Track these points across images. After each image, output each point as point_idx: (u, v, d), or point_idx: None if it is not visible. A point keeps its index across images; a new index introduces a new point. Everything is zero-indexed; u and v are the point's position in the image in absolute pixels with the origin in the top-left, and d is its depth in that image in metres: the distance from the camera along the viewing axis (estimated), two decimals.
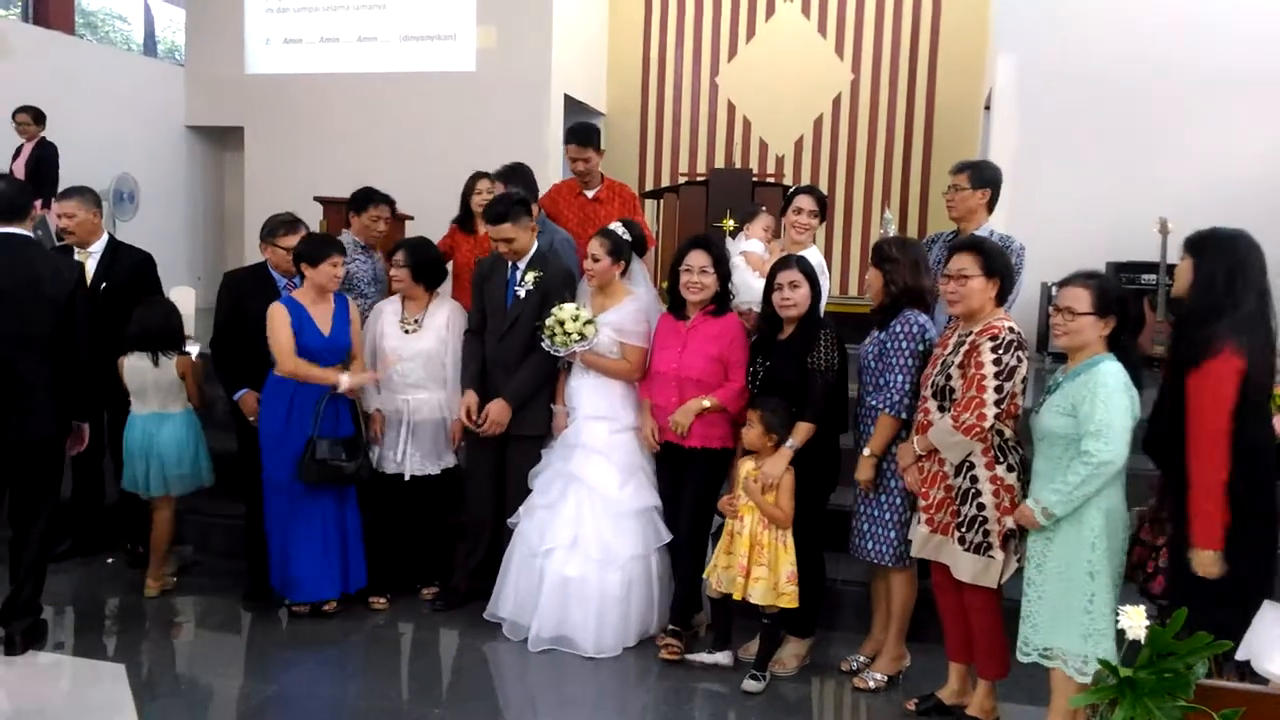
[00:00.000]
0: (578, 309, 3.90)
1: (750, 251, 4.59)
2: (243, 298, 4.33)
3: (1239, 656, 2.27)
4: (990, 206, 4.06)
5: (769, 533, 3.60)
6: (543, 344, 3.95)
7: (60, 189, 7.33)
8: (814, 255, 4.29)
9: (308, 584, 4.17)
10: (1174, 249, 6.74)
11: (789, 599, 3.58)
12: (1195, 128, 7.29)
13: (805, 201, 4.40)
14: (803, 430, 3.62)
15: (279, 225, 4.40)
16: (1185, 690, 1.85)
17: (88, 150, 8.11)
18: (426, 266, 4.33)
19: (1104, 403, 2.93)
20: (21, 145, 7.73)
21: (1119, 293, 3.09)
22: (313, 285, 4.14)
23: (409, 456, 4.29)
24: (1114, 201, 7.28)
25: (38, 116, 7.71)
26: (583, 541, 3.87)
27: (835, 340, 3.66)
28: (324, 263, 4.10)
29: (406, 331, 4.30)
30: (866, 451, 3.58)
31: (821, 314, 3.77)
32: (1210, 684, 1.88)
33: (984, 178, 4.02)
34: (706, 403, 3.78)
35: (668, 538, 3.96)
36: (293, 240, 4.32)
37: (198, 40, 9.59)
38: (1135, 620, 1.86)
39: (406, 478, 4.30)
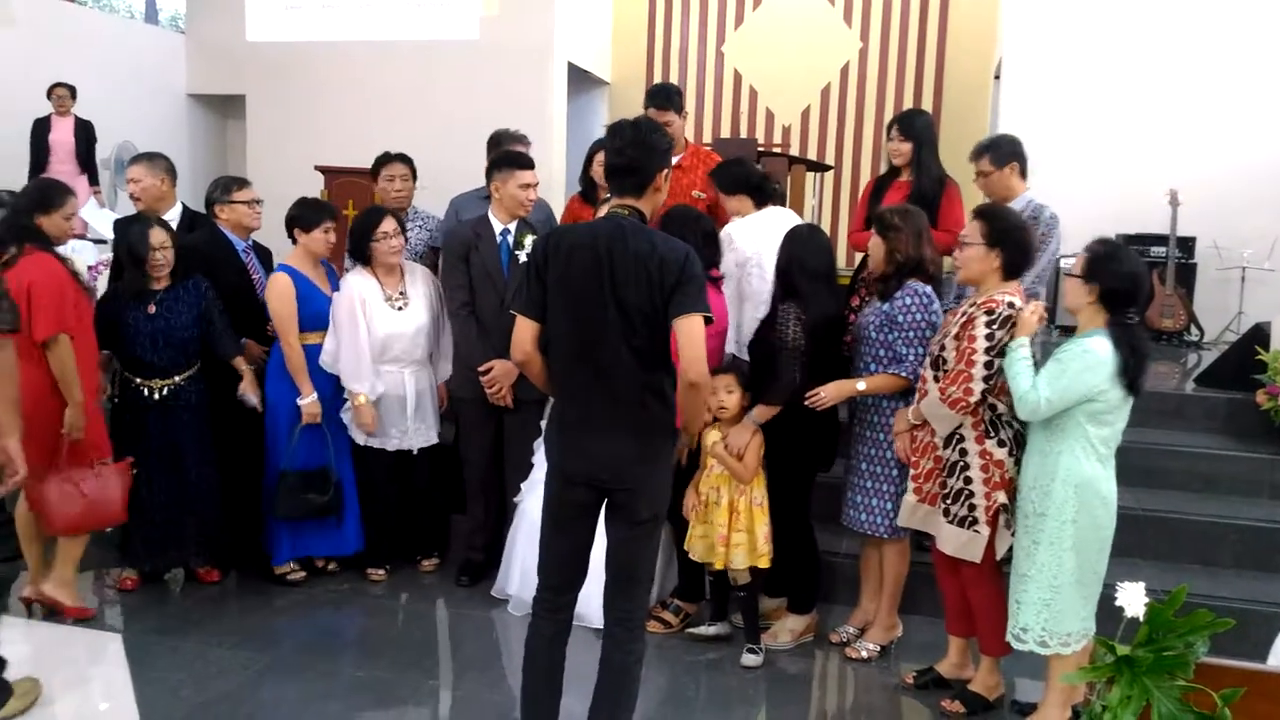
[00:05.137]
0: None
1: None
2: (217, 268, 4.21)
3: (1270, 663, 2.23)
4: (1023, 175, 4.04)
5: (745, 499, 3.59)
6: None
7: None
8: (788, 217, 4.14)
9: (295, 543, 4.25)
10: (1184, 220, 6.71)
11: (766, 558, 3.59)
12: (1208, 98, 7.17)
13: None
14: (761, 412, 3.57)
15: (232, 182, 4.34)
16: (1185, 669, 1.81)
17: (89, 118, 8.06)
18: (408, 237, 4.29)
19: (1063, 369, 2.94)
20: (48, 118, 7.91)
21: (1128, 267, 3.00)
22: (307, 252, 4.14)
23: (414, 430, 4.26)
24: (1124, 173, 7.19)
25: (73, 92, 7.95)
26: None
27: (796, 315, 3.53)
28: (317, 228, 4.12)
29: (399, 309, 4.19)
30: (861, 386, 3.53)
31: (802, 287, 3.57)
32: (1210, 662, 1.85)
33: (1005, 153, 4.01)
34: None
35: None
36: (250, 193, 4.29)
37: (199, 8, 9.48)
38: (1133, 597, 1.82)
39: (414, 452, 4.29)
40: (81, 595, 3.96)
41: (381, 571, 4.35)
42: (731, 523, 3.59)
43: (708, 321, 2.60)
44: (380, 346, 4.15)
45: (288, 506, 4.08)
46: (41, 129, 7.85)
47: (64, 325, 3.52)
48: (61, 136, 7.86)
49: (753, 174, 4.17)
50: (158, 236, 3.93)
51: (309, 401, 4.09)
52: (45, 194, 3.80)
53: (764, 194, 4.09)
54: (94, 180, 7.99)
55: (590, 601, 3.79)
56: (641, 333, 2.59)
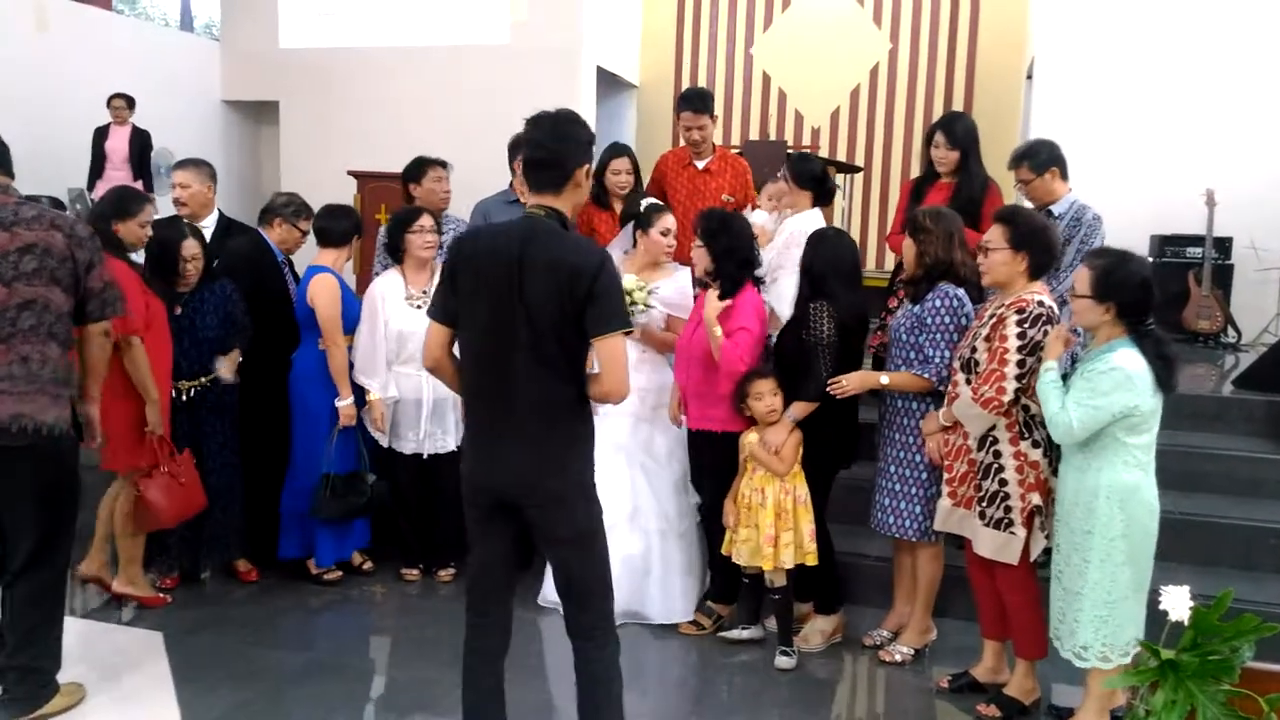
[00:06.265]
0: (634, 278, 3.89)
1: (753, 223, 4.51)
2: (263, 276, 4.31)
3: None
4: (1064, 177, 4.03)
5: (789, 498, 3.60)
6: None
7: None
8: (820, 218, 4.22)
9: (334, 546, 4.28)
10: (1221, 220, 6.61)
11: (813, 556, 3.60)
12: (1244, 97, 7.07)
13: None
14: (799, 408, 3.59)
15: (304, 209, 4.43)
16: (1230, 674, 1.79)
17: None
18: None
19: (1094, 389, 2.90)
20: (108, 126, 8.10)
21: (1137, 275, 2.94)
22: (351, 256, 4.25)
23: (429, 435, 4.26)
24: (1160, 173, 7.10)
25: (130, 103, 8.13)
26: (642, 513, 3.90)
27: (829, 312, 3.56)
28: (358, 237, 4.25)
29: (417, 307, 4.15)
30: (884, 380, 3.54)
31: (832, 286, 3.60)
32: (1256, 667, 1.83)
33: (1043, 160, 4.00)
34: (718, 332, 3.62)
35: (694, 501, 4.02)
36: (310, 225, 4.36)
37: (233, 15, 9.60)
38: (1178, 601, 1.80)
39: (425, 456, 4.28)
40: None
41: (415, 571, 4.38)
42: (779, 522, 3.59)
43: (628, 334, 2.49)
44: (396, 343, 4.17)
45: (331, 509, 4.11)
46: (100, 137, 8.08)
47: (135, 329, 3.62)
48: (117, 144, 8.10)
49: (828, 176, 4.32)
50: (190, 249, 4.01)
51: (348, 404, 4.12)
52: (123, 201, 3.88)
53: (828, 196, 4.29)
54: (148, 187, 8.12)
55: (649, 600, 3.88)
56: (550, 342, 2.41)
